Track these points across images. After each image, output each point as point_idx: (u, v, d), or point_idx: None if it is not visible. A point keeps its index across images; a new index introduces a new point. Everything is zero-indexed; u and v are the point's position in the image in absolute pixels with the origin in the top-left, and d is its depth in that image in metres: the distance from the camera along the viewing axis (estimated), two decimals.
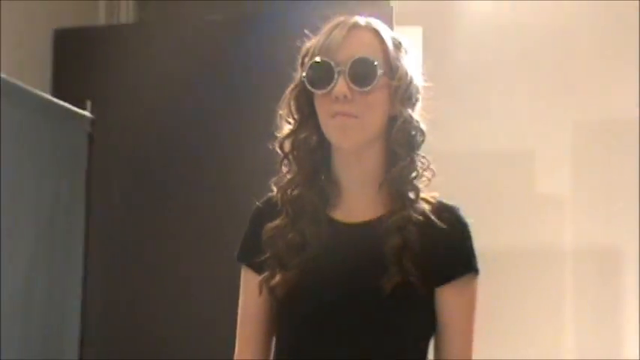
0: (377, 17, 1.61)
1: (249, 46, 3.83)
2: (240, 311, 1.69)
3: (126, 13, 4.61)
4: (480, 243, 1.56)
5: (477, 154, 3.82)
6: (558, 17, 3.80)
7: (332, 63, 1.54)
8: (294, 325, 1.59)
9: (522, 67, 3.82)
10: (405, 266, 1.49)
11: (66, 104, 3.40)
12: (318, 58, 1.56)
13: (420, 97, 1.61)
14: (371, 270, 1.50)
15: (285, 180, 1.63)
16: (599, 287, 3.66)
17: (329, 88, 1.54)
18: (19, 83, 2.99)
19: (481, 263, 1.55)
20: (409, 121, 1.58)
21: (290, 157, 1.62)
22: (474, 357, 1.59)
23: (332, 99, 1.53)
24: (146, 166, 3.96)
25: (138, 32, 4.28)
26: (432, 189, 1.58)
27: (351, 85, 1.52)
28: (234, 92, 3.85)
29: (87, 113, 3.53)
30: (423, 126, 1.60)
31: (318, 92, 1.56)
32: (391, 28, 1.64)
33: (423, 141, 1.60)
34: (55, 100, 3.39)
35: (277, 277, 1.56)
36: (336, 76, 1.53)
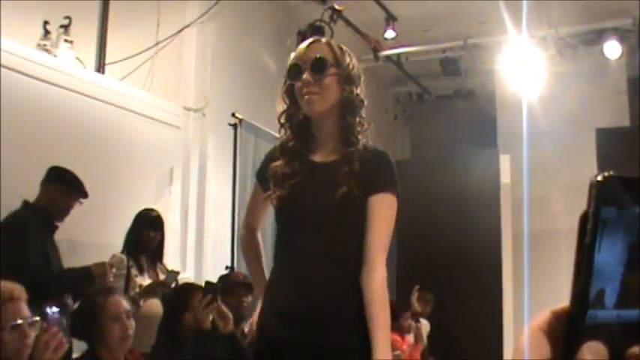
0: None
1: None
2: (249, 205, 3.08)
3: None
4: None
5: None
6: None
7: (300, 63, 2.69)
8: (286, 223, 2.72)
9: None
10: (349, 183, 2.60)
11: None
12: (292, 62, 2.72)
13: (360, 80, 2.74)
14: (331, 188, 2.61)
15: (283, 138, 2.77)
16: None
17: (299, 78, 2.66)
18: None
19: None
20: (352, 94, 2.70)
21: (285, 125, 2.78)
22: None
23: (301, 85, 2.65)
24: None
25: None
26: None
27: (312, 75, 2.65)
28: None
29: None
30: (362, 98, 2.73)
31: (294, 83, 2.69)
32: None
33: (362, 107, 2.73)
34: None
35: (277, 193, 2.67)
36: (302, 70, 2.66)
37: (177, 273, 5.41)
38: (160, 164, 6.56)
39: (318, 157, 2.74)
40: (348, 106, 2.70)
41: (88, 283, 4.65)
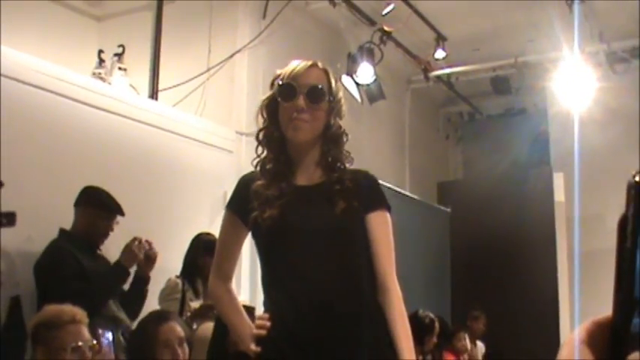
0: None
1: None
2: (220, 244, 2.82)
3: None
4: None
5: None
6: None
7: (295, 85, 2.60)
8: (281, 245, 2.58)
9: None
10: (346, 198, 2.57)
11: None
12: (287, 81, 2.62)
13: (344, 113, 2.71)
14: (328, 205, 2.58)
15: (262, 158, 2.70)
16: None
17: (292, 101, 2.59)
18: None
19: None
20: (339, 128, 2.68)
21: (263, 142, 2.70)
22: None
23: (292, 108, 2.59)
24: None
25: None
26: None
27: (307, 101, 2.59)
28: None
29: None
30: (346, 132, 2.70)
31: (284, 103, 2.61)
32: None
33: (346, 141, 2.70)
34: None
35: (267, 213, 2.54)
36: (297, 93, 2.59)
37: None
38: (214, 188, 6.60)
39: (300, 181, 2.68)
40: (333, 140, 2.67)
41: (123, 276, 4.74)
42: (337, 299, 2.53)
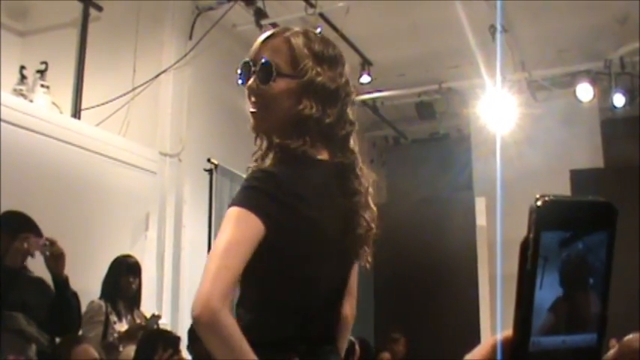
0: None
1: None
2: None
3: None
4: None
5: None
6: None
7: (250, 61, 2.14)
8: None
9: None
10: None
11: None
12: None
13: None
14: None
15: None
16: None
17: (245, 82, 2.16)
18: None
19: None
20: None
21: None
22: None
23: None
24: None
25: None
26: None
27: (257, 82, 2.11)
28: None
29: None
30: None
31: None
32: None
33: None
34: None
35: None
36: (251, 72, 2.12)
37: (159, 317, 5.36)
38: (136, 209, 6.53)
39: None
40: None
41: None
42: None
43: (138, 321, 5.25)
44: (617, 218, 0.64)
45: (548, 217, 0.62)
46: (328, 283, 2.14)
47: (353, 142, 2.24)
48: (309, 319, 2.09)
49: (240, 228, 1.89)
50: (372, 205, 2.22)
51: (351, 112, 2.23)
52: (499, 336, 0.66)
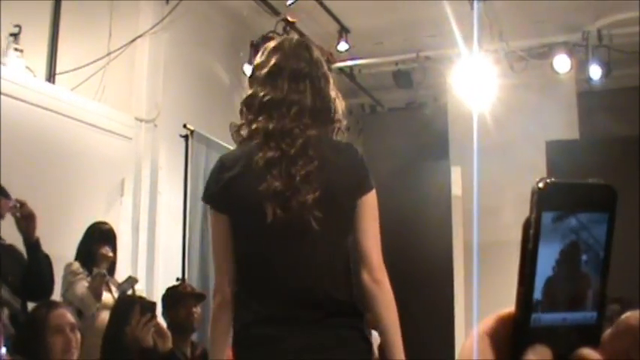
0: None
1: None
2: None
3: None
4: None
5: None
6: None
7: None
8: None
9: None
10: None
11: None
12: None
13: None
14: None
15: None
16: None
17: None
18: None
19: None
20: None
21: None
22: None
23: None
24: None
25: None
26: None
27: None
28: None
29: None
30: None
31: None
32: None
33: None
34: None
35: None
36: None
37: (136, 280, 5.34)
38: (111, 175, 6.50)
39: None
40: None
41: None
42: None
43: (113, 288, 5.24)
44: (617, 200, 0.68)
45: (549, 198, 0.66)
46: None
47: None
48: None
49: None
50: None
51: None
52: (505, 311, 0.69)
